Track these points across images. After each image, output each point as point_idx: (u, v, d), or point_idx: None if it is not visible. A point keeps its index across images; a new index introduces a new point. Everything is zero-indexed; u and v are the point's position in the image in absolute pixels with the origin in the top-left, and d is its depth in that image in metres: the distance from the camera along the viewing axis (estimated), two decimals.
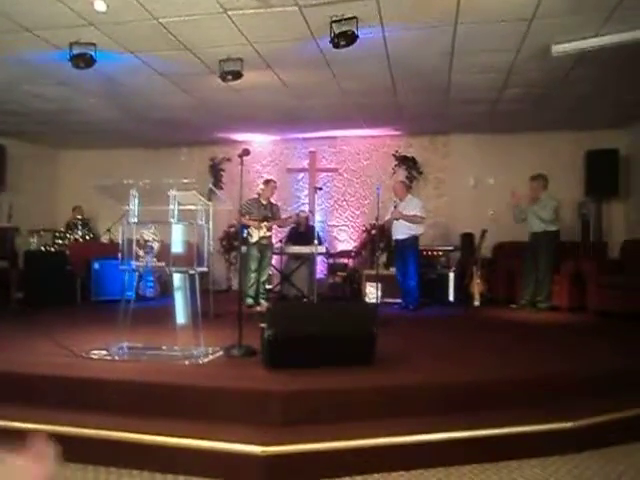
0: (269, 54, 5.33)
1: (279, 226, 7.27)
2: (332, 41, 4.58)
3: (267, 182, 6.87)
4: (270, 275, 8.44)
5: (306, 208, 8.76)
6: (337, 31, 4.51)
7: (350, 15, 4.43)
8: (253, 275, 6.52)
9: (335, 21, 4.48)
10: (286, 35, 4.86)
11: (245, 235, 6.37)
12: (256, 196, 6.81)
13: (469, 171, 8.70)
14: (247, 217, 6.40)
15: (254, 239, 6.43)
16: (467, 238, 8.09)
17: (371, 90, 6.50)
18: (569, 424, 2.92)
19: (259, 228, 6.43)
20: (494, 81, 6.14)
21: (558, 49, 4.98)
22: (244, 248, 6.29)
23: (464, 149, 8.77)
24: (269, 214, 6.61)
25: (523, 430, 2.88)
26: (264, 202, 6.66)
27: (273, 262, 8.37)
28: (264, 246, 6.59)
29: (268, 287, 7.97)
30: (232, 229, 9.04)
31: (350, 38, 4.53)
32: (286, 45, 5.09)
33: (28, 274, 7.20)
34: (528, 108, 7.19)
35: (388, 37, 4.91)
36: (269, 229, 6.57)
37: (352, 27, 4.48)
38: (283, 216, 7.21)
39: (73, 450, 2.72)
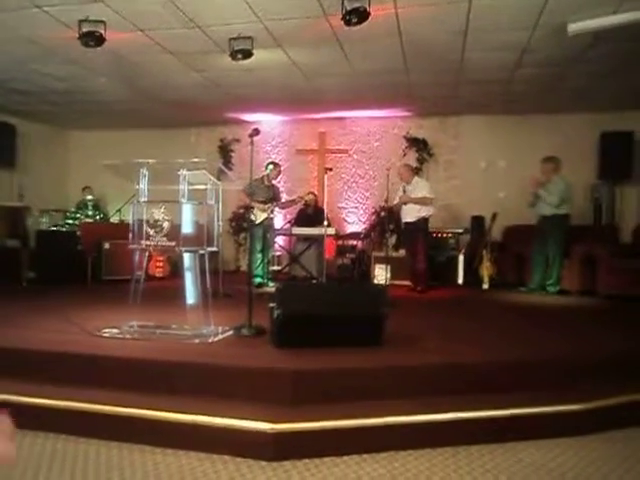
0: (280, 32, 5.26)
1: (281, 208, 7.43)
2: (344, 18, 4.52)
3: (277, 165, 7.00)
4: (279, 256, 8.50)
5: (315, 190, 8.71)
6: (349, 8, 4.44)
7: None
8: (259, 255, 6.71)
9: None
10: (297, 12, 4.79)
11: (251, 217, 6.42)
12: (261, 177, 6.81)
13: (480, 153, 8.59)
14: (251, 198, 6.41)
15: (259, 220, 6.59)
16: (477, 221, 8.05)
17: (383, 70, 6.40)
18: (577, 407, 2.92)
19: (264, 210, 6.60)
20: (507, 60, 6.03)
21: (574, 28, 4.86)
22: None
23: (475, 131, 8.66)
24: (271, 195, 6.80)
25: (531, 412, 2.89)
26: (267, 183, 6.82)
27: (282, 243, 8.42)
28: (267, 226, 6.77)
29: (277, 268, 8.04)
30: (241, 210, 9.03)
31: (362, 15, 4.46)
32: (297, 23, 5.02)
33: (39, 253, 7.27)
34: (542, 88, 7.07)
35: (401, 14, 4.82)
36: (272, 211, 6.78)
37: (364, 3, 4.41)
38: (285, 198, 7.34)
39: (84, 425, 2.79)
